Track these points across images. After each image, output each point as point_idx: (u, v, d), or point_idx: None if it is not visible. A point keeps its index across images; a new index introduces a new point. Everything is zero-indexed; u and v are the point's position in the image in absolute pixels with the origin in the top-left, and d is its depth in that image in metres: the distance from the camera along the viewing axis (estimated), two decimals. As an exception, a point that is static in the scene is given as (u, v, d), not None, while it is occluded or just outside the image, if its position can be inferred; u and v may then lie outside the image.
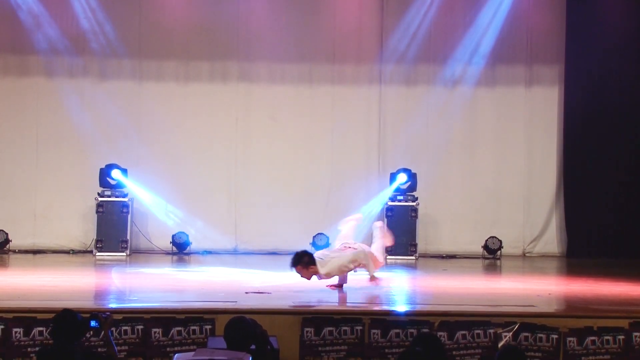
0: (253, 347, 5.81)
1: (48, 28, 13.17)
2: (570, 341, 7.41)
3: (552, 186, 13.91)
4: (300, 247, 12.90)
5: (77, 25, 13.27)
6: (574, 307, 8.63)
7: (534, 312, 7.82)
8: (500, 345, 7.34)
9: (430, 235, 13.59)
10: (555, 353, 7.40)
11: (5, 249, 12.88)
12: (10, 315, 7.26)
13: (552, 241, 13.85)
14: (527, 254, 13.81)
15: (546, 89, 13.95)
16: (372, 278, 9.07)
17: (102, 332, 6.10)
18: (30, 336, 7.16)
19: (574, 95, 13.73)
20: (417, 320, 7.54)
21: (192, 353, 5.58)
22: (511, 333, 7.45)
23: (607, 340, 7.48)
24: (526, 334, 7.45)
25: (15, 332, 7.17)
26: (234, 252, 13.34)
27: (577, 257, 13.48)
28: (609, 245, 13.62)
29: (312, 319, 7.44)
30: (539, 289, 9.72)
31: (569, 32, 13.70)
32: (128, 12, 13.39)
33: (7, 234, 12.89)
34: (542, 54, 13.92)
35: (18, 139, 13.31)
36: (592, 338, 7.46)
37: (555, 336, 7.42)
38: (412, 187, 13.07)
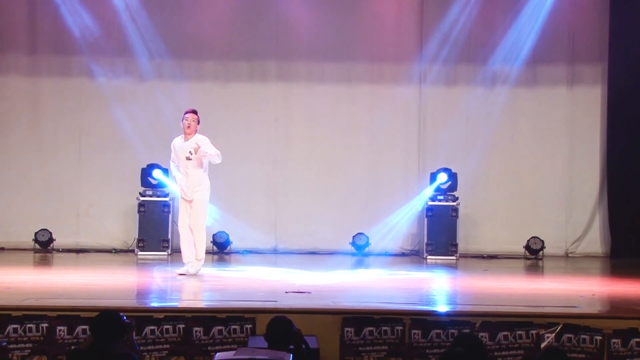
0: (291, 346, 5.82)
1: (91, 29, 13.30)
2: (614, 343, 7.31)
3: (595, 186, 13.76)
4: (339, 247, 13.11)
5: (120, 26, 13.39)
6: (618, 308, 8.53)
7: (577, 313, 7.73)
8: (542, 346, 7.28)
9: (471, 235, 13.50)
10: (599, 355, 7.31)
11: (49, 247, 13.05)
12: (54, 314, 7.33)
13: (595, 241, 13.70)
14: (569, 254, 13.68)
15: (589, 88, 13.80)
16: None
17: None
18: (74, 334, 7.23)
19: (618, 95, 13.56)
20: (458, 320, 7.50)
21: (233, 352, 5.59)
22: (554, 334, 7.37)
23: (653, 342, 7.37)
24: (569, 335, 7.37)
25: (59, 330, 7.24)
26: (274, 252, 13.38)
27: (621, 258, 13.32)
28: (654, 246, 13.46)
29: (352, 318, 7.42)
30: (582, 289, 9.63)
31: (613, 30, 13.54)
32: (169, 13, 13.49)
33: (51, 233, 13.05)
34: (584, 53, 13.77)
35: (61, 139, 13.47)
36: (637, 339, 7.34)
37: (599, 337, 7.33)
38: (453, 187, 13.00)
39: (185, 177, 9.99)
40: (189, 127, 9.94)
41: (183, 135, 10.06)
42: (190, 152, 9.93)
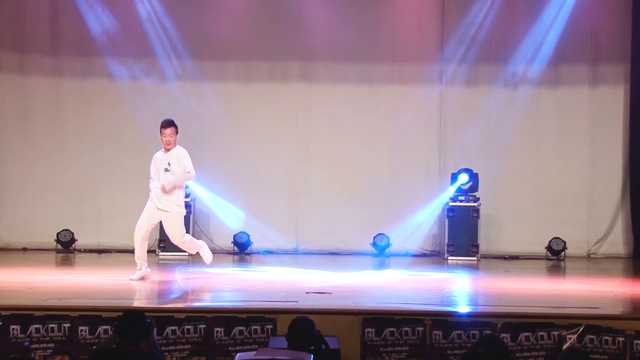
0: (312, 347, 5.82)
1: (113, 30, 13.35)
2: (637, 344, 7.26)
3: (617, 186, 13.66)
4: (360, 248, 13.10)
5: (141, 27, 13.43)
6: (640, 309, 8.48)
7: (600, 314, 7.69)
8: (564, 347, 7.24)
9: (492, 235, 13.45)
10: (622, 356, 7.26)
11: (71, 248, 13.13)
12: (76, 314, 7.38)
13: (617, 242, 13.61)
14: (591, 255, 13.59)
15: (611, 88, 13.70)
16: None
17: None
18: (96, 334, 7.26)
19: (641, 94, 13.47)
20: (479, 321, 7.47)
21: (254, 352, 5.60)
22: (576, 335, 7.33)
23: (676, 343, 7.31)
24: (591, 336, 7.33)
25: (81, 330, 7.28)
26: (295, 252, 13.39)
27: (644, 259, 13.24)
28: (677, 247, 13.34)
29: (373, 319, 7.42)
30: (604, 290, 9.57)
31: (635, 29, 13.43)
32: (190, 14, 13.52)
33: (72, 233, 13.13)
34: (606, 53, 13.67)
35: (83, 140, 13.53)
36: (660, 341, 7.29)
37: (621, 339, 7.28)
38: (474, 188, 12.96)
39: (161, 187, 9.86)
40: (168, 143, 9.82)
41: (163, 148, 9.94)
42: (168, 163, 9.81)
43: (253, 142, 13.59)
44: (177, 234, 9.89)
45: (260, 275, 10.76)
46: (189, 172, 9.84)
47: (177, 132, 9.92)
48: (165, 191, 9.72)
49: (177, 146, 9.92)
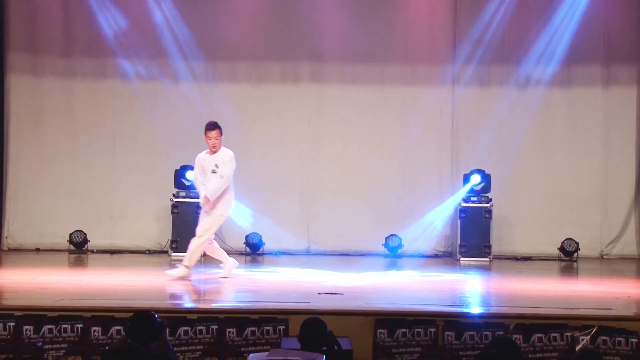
0: (324, 348, 5.82)
1: (125, 31, 13.39)
2: (650, 345, 7.23)
3: (630, 187, 13.61)
4: (372, 249, 13.08)
5: (153, 28, 13.46)
6: (654, 310, 8.44)
7: (613, 315, 7.67)
8: (577, 348, 7.21)
9: (505, 236, 13.42)
10: (635, 357, 7.23)
11: (84, 249, 13.17)
12: (88, 314, 7.40)
13: (631, 243, 13.57)
14: (604, 256, 13.55)
15: (624, 89, 13.66)
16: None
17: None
18: (108, 335, 7.28)
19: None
20: (491, 322, 7.45)
21: (266, 353, 5.60)
22: (589, 336, 7.31)
23: (690, 345, 7.27)
24: (604, 337, 7.30)
25: (94, 331, 7.30)
26: (307, 253, 13.40)
27: (657, 260, 13.19)
28: (690, 247, 13.29)
29: (385, 320, 7.42)
30: (618, 291, 9.53)
31: (648, 29, 13.40)
32: (202, 15, 13.55)
33: (85, 234, 13.17)
34: (619, 53, 13.63)
35: (95, 141, 13.58)
36: (674, 342, 7.26)
37: (634, 340, 7.25)
38: (486, 188, 12.94)
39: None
40: (214, 146, 9.75)
41: (208, 149, 9.91)
42: (216, 165, 9.77)
43: (265, 143, 13.59)
44: (204, 226, 9.85)
45: (272, 276, 10.77)
46: (222, 177, 9.73)
47: (221, 134, 9.83)
48: (209, 202, 9.71)
49: (223, 147, 9.84)
